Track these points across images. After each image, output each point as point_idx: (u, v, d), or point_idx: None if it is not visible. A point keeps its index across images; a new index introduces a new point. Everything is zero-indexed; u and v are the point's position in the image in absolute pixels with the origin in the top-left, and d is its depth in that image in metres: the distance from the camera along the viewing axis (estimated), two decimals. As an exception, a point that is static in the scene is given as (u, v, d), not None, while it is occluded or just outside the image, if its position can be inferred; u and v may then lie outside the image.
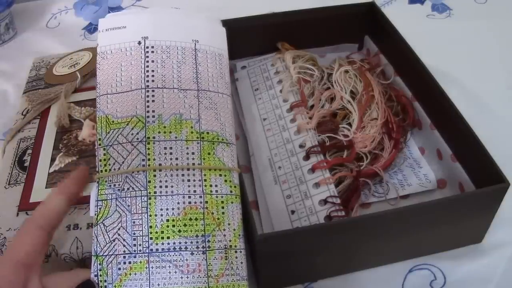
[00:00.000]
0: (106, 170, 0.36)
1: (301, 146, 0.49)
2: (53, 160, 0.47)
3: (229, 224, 0.36)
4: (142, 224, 0.34)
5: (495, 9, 0.76)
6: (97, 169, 0.36)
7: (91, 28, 0.76)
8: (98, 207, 0.35)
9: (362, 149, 0.49)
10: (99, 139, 0.37)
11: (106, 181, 0.36)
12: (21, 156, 0.48)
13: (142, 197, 0.35)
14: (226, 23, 0.62)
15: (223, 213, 0.36)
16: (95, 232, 0.35)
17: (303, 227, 0.43)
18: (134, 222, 0.34)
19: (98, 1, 0.79)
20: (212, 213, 0.36)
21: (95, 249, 0.34)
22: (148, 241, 0.34)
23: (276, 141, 0.51)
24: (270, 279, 0.42)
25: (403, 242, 0.43)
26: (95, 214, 0.35)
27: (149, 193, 0.35)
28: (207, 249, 0.35)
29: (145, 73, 0.38)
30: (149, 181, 0.35)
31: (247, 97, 0.57)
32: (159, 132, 0.36)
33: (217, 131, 0.38)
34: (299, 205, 0.45)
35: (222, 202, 0.36)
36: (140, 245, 0.34)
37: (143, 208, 0.35)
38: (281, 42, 0.61)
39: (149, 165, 0.36)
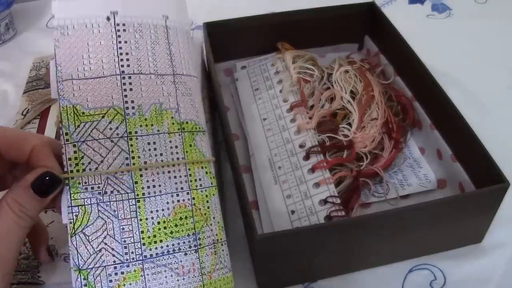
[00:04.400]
0: (78, 171, 0.31)
1: (301, 146, 0.49)
2: (53, 160, 0.47)
3: (214, 217, 0.34)
4: (132, 230, 0.31)
5: (495, 9, 0.76)
6: (65, 169, 0.32)
7: (91, 28, 0.76)
8: (74, 214, 0.31)
9: (362, 149, 0.49)
10: (66, 134, 0.32)
11: (79, 183, 0.31)
12: (21, 156, 0.48)
13: (130, 200, 0.32)
14: (227, 23, 0.62)
15: (208, 207, 0.34)
16: (74, 243, 0.31)
17: (303, 227, 0.43)
18: (123, 229, 0.31)
19: (98, 1, 0.79)
20: (200, 209, 0.34)
21: (76, 262, 0.31)
22: (141, 248, 0.31)
23: (276, 141, 0.51)
24: (270, 279, 0.42)
25: (403, 242, 0.43)
26: (71, 223, 0.31)
27: (137, 195, 0.32)
28: (199, 247, 0.33)
29: (118, 56, 0.33)
30: (136, 182, 0.32)
31: (247, 97, 0.57)
32: (140, 126, 0.33)
33: (195, 119, 0.35)
34: (299, 205, 0.45)
35: (207, 196, 0.34)
36: (132, 252, 0.31)
37: (132, 213, 0.32)
38: (281, 42, 0.61)
39: (134, 164, 0.32)
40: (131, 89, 0.33)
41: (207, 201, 0.34)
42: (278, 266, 0.40)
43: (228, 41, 0.60)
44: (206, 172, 0.35)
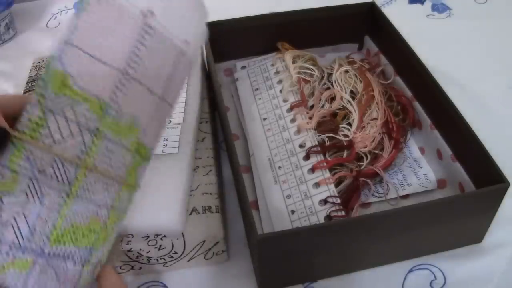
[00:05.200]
0: (32, 137, 0.28)
1: (301, 146, 0.49)
2: (53, 160, 0.47)
3: (110, 240, 0.32)
4: (47, 221, 0.29)
5: (495, 9, 0.76)
6: (19, 127, 0.28)
7: (91, 28, 0.76)
8: (2, 174, 0.28)
9: (362, 149, 0.49)
10: (41, 94, 0.28)
11: (25, 149, 0.28)
12: (21, 156, 0.48)
13: (62, 192, 0.29)
14: (227, 23, 0.62)
15: (113, 228, 0.32)
16: None
17: (303, 227, 0.43)
18: (40, 215, 0.28)
19: (98, 1, 0.79)
20: (106, 228, 0.32)
21: None
22: (44, 241, 0.29)
23: (276, 141, 0.51)
24: (270, 279, 0.42)
25: (403, 242, 0.43)
26: None
27: (71, 191, 0.29)
28: (85, 262, 0.31)
29: (132, 55, 0.31)
30: (77, 178, 0.30)
31: (247, 97, 0.57)
32: (111, 130, 0.30)
33: (151, 148, 0.34)
34: (299, 205, 0.45)
35: (118, 219, 0.33)
36: (34, 242, 0.28)
37: (56, 205, 0.29)
38: (281, 42, 0.61)
39: (85, 161, 0.30)
40: (122, 91, 0.31)
41: (115, 224, 0.32)
42: (278, 266, 0.40)
43: (228, 41, 0.60)
44: (129, 198, 0.33)
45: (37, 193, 0.28)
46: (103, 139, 0.30)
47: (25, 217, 0.28)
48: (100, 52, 0.30)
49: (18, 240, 0.28)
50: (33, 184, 0.28)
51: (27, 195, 0.28)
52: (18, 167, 0.28)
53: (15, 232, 0.28)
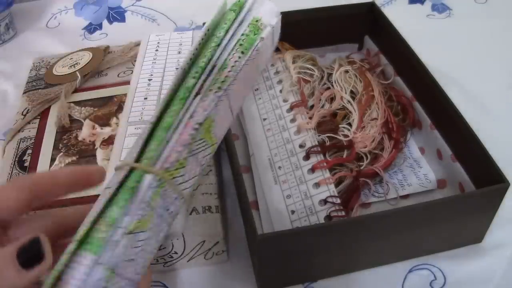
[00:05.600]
0: (172, 175, 0.27)
1: (301, 146, 0.49)
2: (53, 160, 0.47)
3: None
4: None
5: (495, 9, 0.76)
6: (165, 165, 0.26)
7: (91, 28, 0.76)
8: (142, 213, 0.26)
9: (362, 149, 0.49)
10: (194, 138, 0.27)
11: (164, 189, 0.27)
12: (21, 156, 0.48)
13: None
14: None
15: None
16: (124, 241, 0.25)
17: (303, 227, 0.43)
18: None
19: (98, 1, 0.79)
20: None
21: (112, 260, 0.25)
22: (142, 273, 0.28)
23: (276, 141, 0.51)
24: (270, 279, 0.42)
25: (403, 242, 0.43)
26: (137, 220, 0.26)
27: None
28: None
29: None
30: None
31: (247, 97, 0.57)
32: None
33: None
34: (299, 205, 0.45)
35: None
36: (139, 275, 0.27)
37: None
38: (281, 42, 0.61)
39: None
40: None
41: None
42: (278, 266, 0.40)
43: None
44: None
45: (159, 230, 0.28)
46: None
47: (144, 252, 0.27)
48: (235, 103, 0.30)
49: (134, 275, 0.27)
50: (159, 221, 0.27)
51: (152, 231, 0.27)
52: (155, 205, 0.27)
53: (135, 268, 0.27)
